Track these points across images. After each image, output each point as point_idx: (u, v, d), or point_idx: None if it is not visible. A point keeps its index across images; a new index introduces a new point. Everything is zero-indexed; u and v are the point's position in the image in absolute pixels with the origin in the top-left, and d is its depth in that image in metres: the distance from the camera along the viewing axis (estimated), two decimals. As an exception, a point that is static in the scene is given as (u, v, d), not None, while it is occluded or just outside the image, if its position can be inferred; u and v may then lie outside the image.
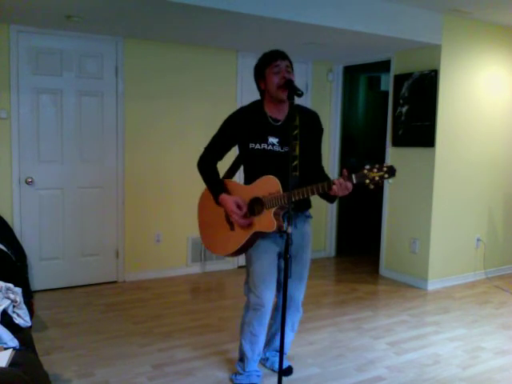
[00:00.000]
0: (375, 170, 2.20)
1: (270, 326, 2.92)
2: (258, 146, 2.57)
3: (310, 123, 2.66)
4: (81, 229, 4.51)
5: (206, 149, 2.73)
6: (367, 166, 2.25)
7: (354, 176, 2.25)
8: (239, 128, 2.62)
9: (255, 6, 3.55)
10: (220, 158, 2.72)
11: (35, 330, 3.30)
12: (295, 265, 2.63)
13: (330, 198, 2.55)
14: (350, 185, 2.27)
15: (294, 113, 2.54)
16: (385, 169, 2.19)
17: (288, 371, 2.94)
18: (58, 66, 4.27)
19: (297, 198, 2.37)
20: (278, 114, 2.61)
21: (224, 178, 2.76)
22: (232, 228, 2.63)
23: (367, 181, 2.21)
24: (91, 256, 4.58)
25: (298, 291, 2.78)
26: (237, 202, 2.55)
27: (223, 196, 2.58)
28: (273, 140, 2.56)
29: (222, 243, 2.70)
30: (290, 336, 2.92)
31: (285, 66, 2.52)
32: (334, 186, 2.29)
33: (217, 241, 2.73)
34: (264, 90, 2.61)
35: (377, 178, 2.20)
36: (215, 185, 2.65)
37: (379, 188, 2.33)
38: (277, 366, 2.89)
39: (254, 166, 2.63)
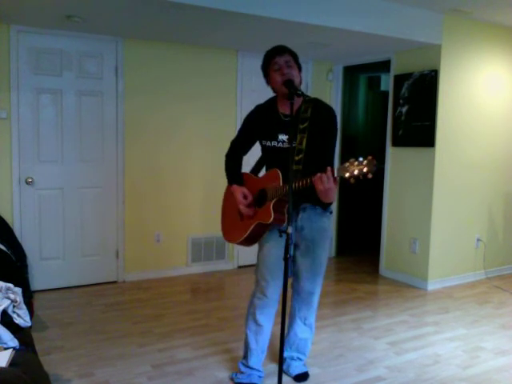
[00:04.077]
0: (356, 164, 2.09)
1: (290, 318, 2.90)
2: (269, 144, 2.65)
3: (323, 119, 2.56)
4: (81, 229, 4.51)
5: (232, 143, 2.88)
6: (351, 160, 2.13)
7: (335, 169, 2.18)
8: (254, 126, 2.74)
9: (255, 6, 3.56)
10: (244, 152, 2.85)
11: (35, 330, 3.30)
12: (306, 258, 2.69)
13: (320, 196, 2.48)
14: (331, 178, 2.19)
15: (306, 107, 2.56)
16: (365, 162, 2.06)
17: (303, 377, 2.87)
18: (58, 66, 4.28)
19: (284, 191, 2.38)
20: (289, 109, 2.54)
21: (251, 171, 2.87)
22: (242, 218, 2.73)
23: (347, 174, 2.10)
24: (91, 256, 4.58)
25: (310, 284, 2.74)
26: (243, 192, 2.68)
27: (234, 187, 2.75)
28: (282, 137, 2.59)
29: (232, 231, 2.82)
30: (305, 331, 2.87)
31: (284, 61, 2.52)
32: (317, 179, 2.22)
33: (229, 229, 2.86)
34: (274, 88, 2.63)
35: (356, 173, 2.07)
36: (231, 176, 2.81)
37: (360, 182, 2.15)
38: (292, 369, 2.89)
39: (267, 160, 2.77)
